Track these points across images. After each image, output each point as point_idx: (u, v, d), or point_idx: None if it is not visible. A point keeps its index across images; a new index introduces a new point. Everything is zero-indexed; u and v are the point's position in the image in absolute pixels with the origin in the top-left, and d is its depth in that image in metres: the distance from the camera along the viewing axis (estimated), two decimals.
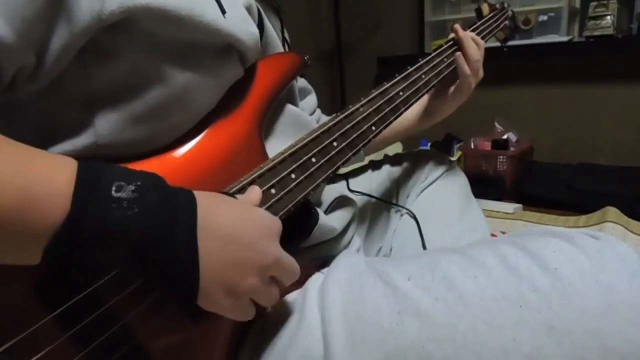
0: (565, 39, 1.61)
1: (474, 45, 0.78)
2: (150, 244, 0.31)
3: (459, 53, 0.78)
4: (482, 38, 0.86)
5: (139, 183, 0.32)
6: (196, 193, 0.36)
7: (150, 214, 0.31)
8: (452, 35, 0.81)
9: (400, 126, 0.84)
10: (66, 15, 0.35)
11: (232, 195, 0.41)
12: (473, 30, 0.85)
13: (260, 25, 0.55)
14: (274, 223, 0.40)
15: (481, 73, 0.80)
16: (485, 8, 0.93)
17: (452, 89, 0.79)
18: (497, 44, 1.05)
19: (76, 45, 0.36)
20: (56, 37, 0.35)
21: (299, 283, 0.48)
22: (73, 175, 0.30)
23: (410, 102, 0.68)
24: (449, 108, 0.82)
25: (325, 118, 0.76)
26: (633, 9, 1.56)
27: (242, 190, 0.43)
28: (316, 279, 0.48)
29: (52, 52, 0.36)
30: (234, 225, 0.36)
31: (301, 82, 0.71)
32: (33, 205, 0.28)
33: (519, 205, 1.48)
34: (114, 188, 0.30)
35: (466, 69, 0.77)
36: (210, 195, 0.37)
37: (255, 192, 0.43)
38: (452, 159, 1.65)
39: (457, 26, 0.80)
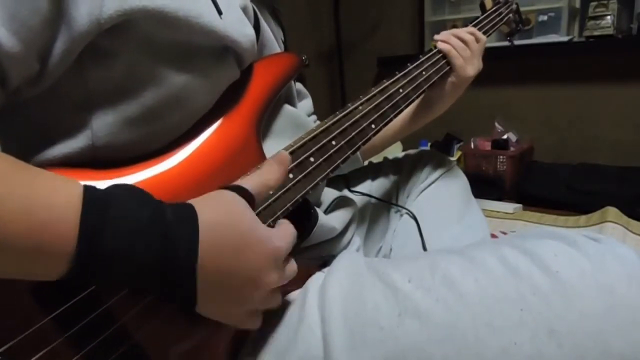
0: (565, 39, 1.61)
1: (462, 36, 0.77)
2: (152, 276, 0.32)
3: (442, 45, 0.76)
4: (486, 32, 0.85)
5: (142, 219, 0.32)
6: (200, 214, 0.34)
7: (152, 249, 0.32)
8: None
9: (399, 124, 0.83)
10: (67, 21, 0.35)
11: (242, 191, 0.39)
12: (475, 25, 0.84)
13: (257, 27, 0.55)
14: (278, 246, 0.39)
15: (480, 64, 0.78)
16: (488, 1, 0.93)
17: (450, 79, 0.78)
18: (497, 44, 1.04)
19: (76, 50, 0.37)
20: (58, 43, 0.36)
21: (300, 282, 0.47)
22: (78, 214, 0.30)
23: (411, 99, 0.67)
24: (448, 100, 0.80)
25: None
26: (633, 9, 1.56)
27: None
28: (317, 278, 0.48)
29: (54, 57, 0.36)
30: (234, 259, 0.35)
31: (298, 86, 0.70)
32: (44, 243, 0.29)
33: (519, 205, 1.48)
34: (118, 227, 0.30)
35: (456, 55, 0.75)
36: (214, 218, 0.35)
37: (279, 164, 0.43)
38: (452, 159, 1.65)
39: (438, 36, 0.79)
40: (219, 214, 0.36)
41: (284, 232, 0.41)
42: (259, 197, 0.40)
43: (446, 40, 0.76)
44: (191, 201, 0.36)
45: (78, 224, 0.29)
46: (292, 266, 0.41)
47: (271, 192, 0.45)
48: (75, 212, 0.30)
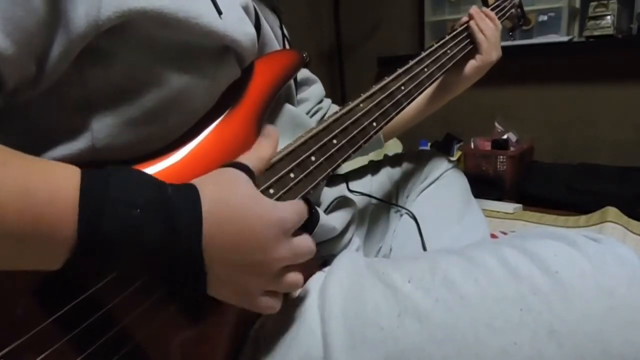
0: (565, 39, 1.61)
1: (488, 20, 0.78)
2: (157, 253, 0.32)
3: (474, 26, 0.77)
4: None
5: (144, 193, 0.32)
6: (201, 190, 0.35)
7: (156, 224, 0.31)
8: (464, 18, 0.81)
9: (417, 107, 0.84)
10: (64, 22, 0.35)
11: (241, 165, 0.39)
12: None
13: (257, 25, 0.55)
14: (284, 216, 0.38)
15: (500, 49, 0.79)
16: None
17: (470, 62, 0.78)
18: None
19: (74, 51, 0.36)
20: (55, 44, 0.35)
21: None
22: (77, 192, 0.30)
23: (413, 96, 0.67)
24: (467, 83, 0.81)
25: (335, 107, 0.76)
26: (633, 9, 1.56)
27: None
28: (317, 278, 0.48)
29: (52, 59, 0.36)
30: (240, 229, 0.36)
31: (304, 73, 0.70)
32: (43, 223, 0.28)
33: (519, 205, 1.47)
34: (119, 203, 0.30)
35: (483, 38, 0.76)
36: (216, 195, 0.35)
37: (267, 138, 0.43)
38: (452, 159, 1.64)
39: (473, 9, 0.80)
40: (220, 188, 0.36)
41: (292, 206, 0.40)
42: (258, 171, 0.41)
43: (477, 22, 0.77)
44: (192, 181, 0.37)
45: (77, 206, 0.29)
46: (305, 241, 0.40)
47: (272, 192, 0.45)
48: (73, 194, 0.29)
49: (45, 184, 0.29)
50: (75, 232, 0.29)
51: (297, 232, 0.40)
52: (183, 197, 0.34)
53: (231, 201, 0.36)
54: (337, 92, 2.19)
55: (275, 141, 0.44)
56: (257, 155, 0.42)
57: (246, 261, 0.36)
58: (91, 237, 0.29)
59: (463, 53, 0.78)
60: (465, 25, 0.80)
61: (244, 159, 0.41)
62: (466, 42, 0.78)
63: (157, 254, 0.32)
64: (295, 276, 0.40)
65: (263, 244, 0.37)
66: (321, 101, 0.73)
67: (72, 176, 0.31)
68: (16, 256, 0.29)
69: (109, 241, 0.30)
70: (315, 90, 0.71)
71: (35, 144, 0.39)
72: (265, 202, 0.38)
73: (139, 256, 0.31)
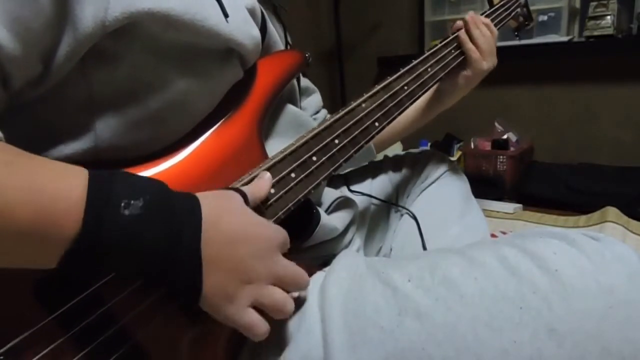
0: (565, 39, 1.61)
1: (482, 30, 0.76)
2: (157, 256, 0.32)
3: (463, 36, 0.75)
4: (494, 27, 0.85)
5: (147, 197, 0.32)
6: (201, 200, 0.36)
7: (157, 228, 0.32)
8: (459, 22, 0.80)
9: (411, 116, 0.83)
10: (71, 23, 0.35)
11: (239, 190, 0.40)
12: None
13: (263, 27, 0.55)
14: (276, 235, 0.40)
15: (495, 59, 0.77)
16: None
17: (464, 72, 0.77)
18: (497, 44, 1.03)
19: (80, 52, 0.37)
20: (62, 45, 0.36)
21: None
22: (84, 192, 0.30)
23: (416, 96, 0.66)
24: (460, 93, 0.79)
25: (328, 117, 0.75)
26: (633, 9, 1.56)
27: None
28: (317, 278, 0.48)
29: (58, 59, 0.36)
30: (235, 240, 0.36)
31: (305, 82, 0.70)
32: (47, 221, 0.29)
33: (519, 205, 1.48)
34: (123, 204, 0.31)
35: (472, 49, 0.75)
36: (215, 204, 0.37)
37: (263, 181, 0.43)
38: (452, 159, 1.65)
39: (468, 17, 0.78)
40: (219, 205, 0.37)
41: (279, 228, 0.41)
42: (252, 204, 0.41)
43: (469, 30, 0.75)
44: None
45: (83, 209, 0.29)
46: (294, 267, 0.41)
47: (273, 191, 0.45)
48: (80, 194, 0.30)
49: (50, 183, 0.29)
50: (79, 231, 0.29)
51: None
52: (185, 209, 0.34)
53: (228, 217, 0.37)
54: (337, 92, 2.19)
55: (269, 184, 0.44)
56: (251, 191, 0.42)
57: (236, 268, 0.36)
58: (94, 236, 0.29)
59: (460, 59, 0.77)
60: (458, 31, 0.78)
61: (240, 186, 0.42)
62: (459, 51, 0.76)
63: (156, 260, 0.32)
64: (282, 294, 0.39)
65: (256, 249, 0.37)
66: (318, 112, 0.73)
67: (78, 176, 0.31)
68: (15, 252, 0.29)
69: (110, 246, 0.30)
70: (314, 99, 0.71)
71: (39, 142, 0.39)
72: (258, 219, 0.39)
73: (137, 258, 0.31)
